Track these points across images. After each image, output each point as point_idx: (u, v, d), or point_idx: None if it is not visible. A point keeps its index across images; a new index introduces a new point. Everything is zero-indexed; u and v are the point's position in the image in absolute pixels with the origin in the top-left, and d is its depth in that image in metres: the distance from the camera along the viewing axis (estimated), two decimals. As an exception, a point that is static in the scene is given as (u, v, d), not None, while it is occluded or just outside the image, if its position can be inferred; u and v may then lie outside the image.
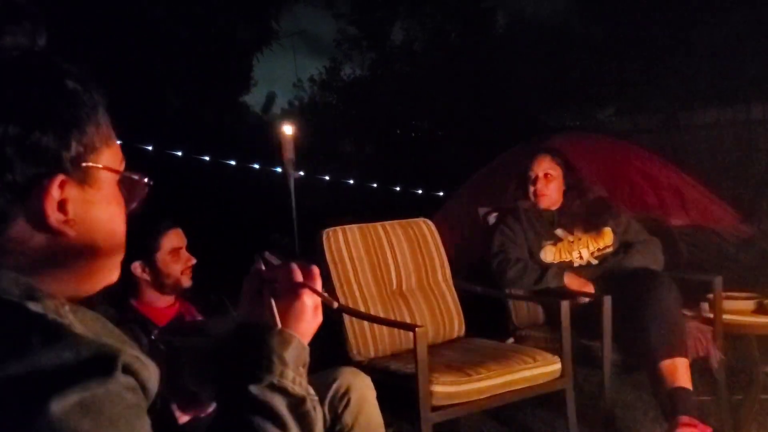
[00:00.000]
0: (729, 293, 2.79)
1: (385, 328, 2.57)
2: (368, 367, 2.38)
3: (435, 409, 2.13)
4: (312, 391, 0.86)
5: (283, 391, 0.81)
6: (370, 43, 13.87)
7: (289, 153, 5.42)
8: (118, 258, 0.79)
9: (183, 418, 1.01)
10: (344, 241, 2.64)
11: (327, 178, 7.18)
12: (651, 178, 4.92)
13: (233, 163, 6.83)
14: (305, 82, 15.17)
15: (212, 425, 0.81)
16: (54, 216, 0.70)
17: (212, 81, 8.49)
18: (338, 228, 2.66)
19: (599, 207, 3.07)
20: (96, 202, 0.74)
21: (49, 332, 0.63)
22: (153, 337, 1.03)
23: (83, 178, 0.72)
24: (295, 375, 0.83)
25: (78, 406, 0.59)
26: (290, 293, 0.88)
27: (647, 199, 4.79)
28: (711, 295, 2.74)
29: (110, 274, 0.79)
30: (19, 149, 0.67)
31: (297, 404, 0.82)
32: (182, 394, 1.01)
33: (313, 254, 2.75)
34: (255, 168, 6.93)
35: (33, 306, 0.65)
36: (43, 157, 0.69)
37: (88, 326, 0.67)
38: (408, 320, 2.65)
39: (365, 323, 2.54)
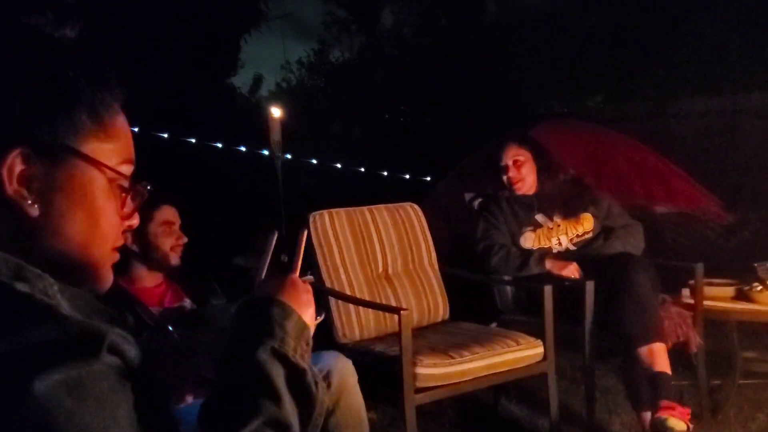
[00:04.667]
0: (710, 280, 2.83)
1: (370, 311, 2.59)
2: (353, 350, 2.40)
3: (418, 391, 2.16)
4: (315, 370, 0.86)
5: (283, 359, 0.81)
6: (360, 27, 13.79)
7: (276, 135, 5.39)
8: (103, 258, 0.77)
9: (189, 399, 1.02)
10: (331, 225, 2.65)
11: (314, 161, 7.16)
12: (637, 165, 4.93)
13: (220, 145, 6.80)
14: (293, 65, 15.09)
15: (207, 400, 0.81)
16: (12, 187, 0.69)
17: (199, 62, 8.41)
18: (325, 211, 2.67)
19: (578, 191, 3.08)
20: (71, 190, 0.73)
21: (35, 312, 0.63)
22: (171, 328, 1.04)
23: (58, 161, 0.71)
24: (296, 345, 0.84)
25: (62, 384, 0.59)
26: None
27: (633, 187, 4.79)
28: (692, 282, 2.78)
29: (96, 276, 0.77)
30: None
31: (297, 377, 0.81)
32: (197, 379, 1.02)
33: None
34: (242, 150, 6.90)
35: (21, 286, 0.65)
36: (10, 127, 0.69)
37: (76, 306, 0.67)
38: (393, 303, 2.67)
39: (351, 306, 2.56)
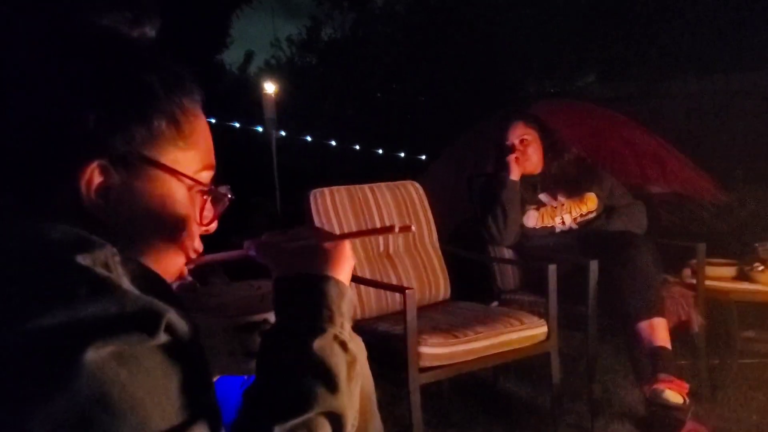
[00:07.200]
0: (710, 260, 2.83)
1: (372, 291, 2.56)
2: (355, 329, 2.37)
3: (422, 370, 2.14)
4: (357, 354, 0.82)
5: (342, 345, 0.77)
6: (352, 4, 13.65)
7: (269, 113, 5.34)
8: (176, 268, 0.78)
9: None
10: (331, 202, 2.61)
11: (309, 139, 7.10)
12: (633, 145, 4.91)
13: (213, 121, 6.74)
14: (283, 42, 14.94)
15: (253, 384, 0.76)
16: (89, 199, 0.68)
17: (189, 39, 8.31)
18: (325, 189, 2.63)
19: (582, 170, 3.06)
20: (149, 200, 0.71)
21: (94, 285, 0.61)
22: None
23: (136, 171, 0.70)
24: (350, 328, 0.81)
25: (115, 356, 0.58)
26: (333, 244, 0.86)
27: (628, 167, 4.79)
28: (694, 261, 2.77)
29: (169, 265, 0.77)
30: (65, 128, 0.66)
31: (352, 364, 0.78)
32: None
33: (296, 215, 2.72)
34: (235, 126, 6.83)
35: (81, 259, 0.63)
36: (87, 139, 0.67)
37: (138, 281, 0.65)
38: (395, 282, 2.64)
39: (353, 285, 2.52)
